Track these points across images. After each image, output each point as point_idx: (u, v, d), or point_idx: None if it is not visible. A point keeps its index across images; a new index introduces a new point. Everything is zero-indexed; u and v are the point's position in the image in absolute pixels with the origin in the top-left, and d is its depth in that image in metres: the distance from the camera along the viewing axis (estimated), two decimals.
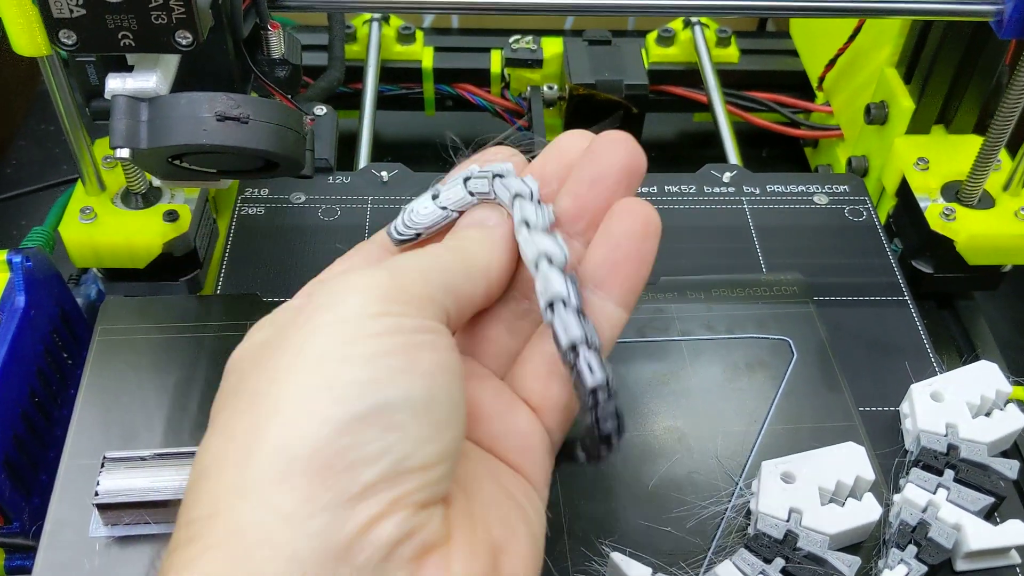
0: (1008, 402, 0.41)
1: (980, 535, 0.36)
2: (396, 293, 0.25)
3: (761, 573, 0.34)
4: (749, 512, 0.37)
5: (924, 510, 0.37)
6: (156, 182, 0.47)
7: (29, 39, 0.39)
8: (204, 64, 0.40)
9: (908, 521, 0.37)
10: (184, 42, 0.35)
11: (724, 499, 0.38)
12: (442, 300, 0.27)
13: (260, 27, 0.43)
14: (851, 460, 0.38)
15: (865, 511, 0.37)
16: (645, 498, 0.38)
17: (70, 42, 0.35)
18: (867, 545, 0.37)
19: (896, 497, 0.38)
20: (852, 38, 0.60)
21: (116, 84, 0.36)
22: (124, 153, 0.36)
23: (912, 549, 0.36)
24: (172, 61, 0.38)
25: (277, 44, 0.43)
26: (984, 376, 0.41)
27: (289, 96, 0.43)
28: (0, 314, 0.43)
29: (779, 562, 0.35)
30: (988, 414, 0.40)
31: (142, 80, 0.36)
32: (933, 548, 0.36)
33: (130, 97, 0.36)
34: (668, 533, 0.37)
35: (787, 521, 0.36)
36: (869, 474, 0.37)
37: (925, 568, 0.35)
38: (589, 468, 0.37)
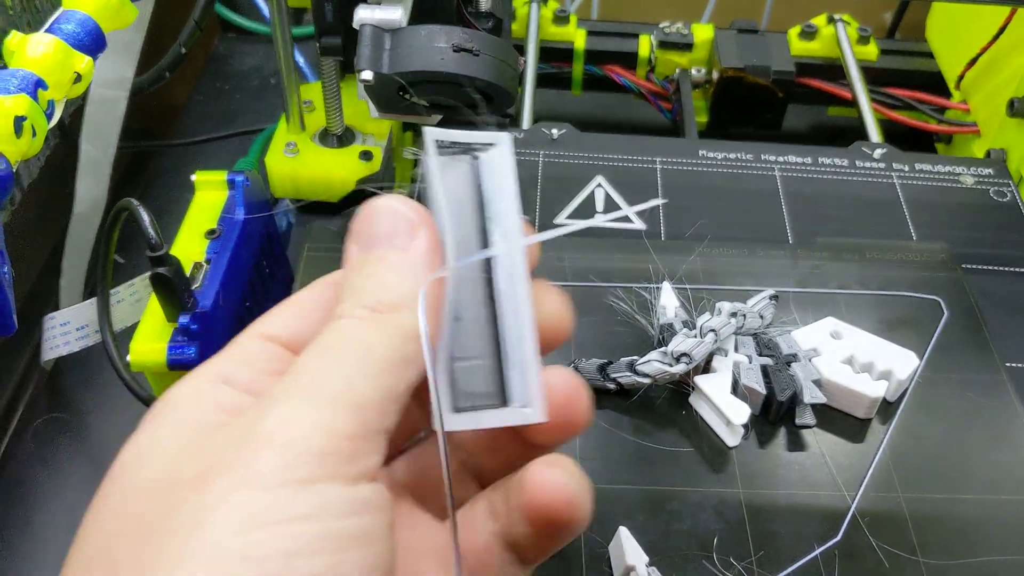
0: None
1: None
2: (327, 442, 0.19)
3: None
4: None
5: None
6: (375, 112, 0.51)
7: None
8: (430, 8, 0.44)
9: None
10: None
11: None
12: (383, 424, 0.21)
13: None
14: None
15: None
16: None
17: None
18: None
19: None
20: (997, 36, 0.62)
21: (365, 14, 0.40)
22: (368, 75, 0.40)
23: None
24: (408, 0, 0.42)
25: None
26: None
27: None
28: (222, 226, 0.48)
29: None
30: None
31: (390, 12, 0.40)
32: None
33: (375, 27, 0.40)
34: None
35: None
36: None
37: None
38: None
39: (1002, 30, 0.62)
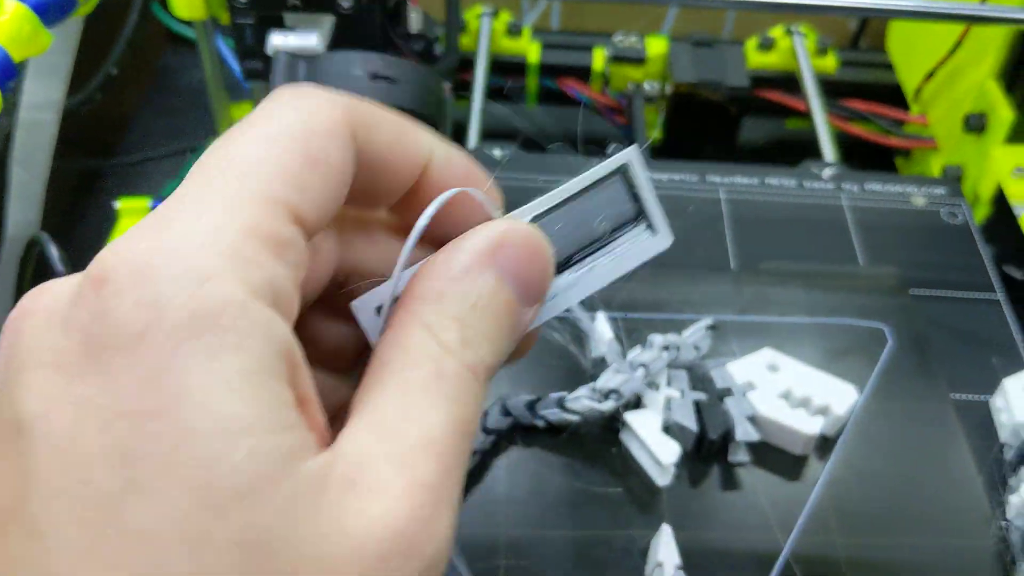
0: None
1: None
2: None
3: None
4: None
5: None
6: None
7: (189, 3, 0.43)
8: (353, 32, 0.43)
9: None
10: (346, 4, 0.38)
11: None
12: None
13: (401, 3, 0.46)
14: None
15: None
16: None
17: (244, 0, 0.39)
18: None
19: (1013, 499, 0.39)
20: (953, 50, 0.61)
21: (279, 41, 0.39)
22: None
23: None
24: (327, 24, 0.41)
25: (417, 20, 0.46)
26: None
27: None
28: None
29: None
30: None
31: (304, 38, 0.39)
32: None
33: (291, 55, 0.39)
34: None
35: None
36: None
37: None
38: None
39: (958, 44, 0.61)
